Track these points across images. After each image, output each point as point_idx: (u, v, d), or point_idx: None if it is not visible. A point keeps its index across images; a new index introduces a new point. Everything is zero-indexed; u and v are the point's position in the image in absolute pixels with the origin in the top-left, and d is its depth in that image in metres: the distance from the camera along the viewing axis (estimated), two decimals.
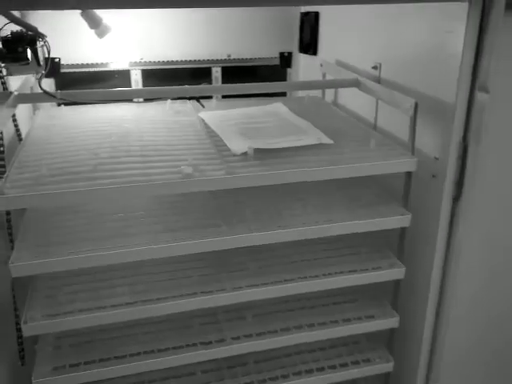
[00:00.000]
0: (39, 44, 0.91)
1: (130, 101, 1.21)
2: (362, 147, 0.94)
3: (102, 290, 0.91)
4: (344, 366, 1.05)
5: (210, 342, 0.95)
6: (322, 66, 1.28)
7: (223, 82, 1.52)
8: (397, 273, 0.96)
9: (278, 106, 1.18)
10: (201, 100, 1.17)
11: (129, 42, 1.41)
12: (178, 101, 1.20)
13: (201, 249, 0.86)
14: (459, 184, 0.88)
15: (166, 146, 0.95)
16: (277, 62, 1.56)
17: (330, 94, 1.30)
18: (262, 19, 1.50)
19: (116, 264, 0.85)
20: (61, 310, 0.85)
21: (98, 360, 0.91)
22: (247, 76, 1.53)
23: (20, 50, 0.84)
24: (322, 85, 1.20)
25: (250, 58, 1.52)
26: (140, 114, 1.15)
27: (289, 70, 1.58)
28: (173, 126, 1.07)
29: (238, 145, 0.92)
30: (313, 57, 1.44)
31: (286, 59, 1.55)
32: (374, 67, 1.08)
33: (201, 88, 1.06)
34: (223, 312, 1.02)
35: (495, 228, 0.93)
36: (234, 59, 1.51)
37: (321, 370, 1.04)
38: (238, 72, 1.53)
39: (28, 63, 0.87)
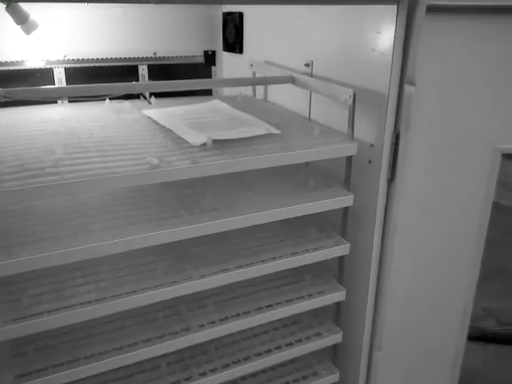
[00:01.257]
0: None
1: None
2: (307, 136, 1.02)
3: (66, 290, 0.89)
4: (299, 341, 1.12)
5: (177, 332, 0.97)
6: (252, 65, 1.35)
7: (150, 80, 1.52)
8: (342, 249, 1.06)
9: (217, 103, 1.22)
10: (129, 99, 1.18)
11: (51, 39, 1.36)
12: (114, 100, 1.20)
13: (168, 239, 0.88)
14: (393, 167, 1.00)
15: (121, 141, 0.96)
16: (201, 60, 1.59)
17: (259, 92, 1.37)
18: (186, 17, 1.53)
19: (75, 263, 0.84)
20: (27, 313, 0.82)
21: (67, 362, 0.89)
22: (173, 74, 1.55)
23: None
24: (259, 81, 1.27)
25: (176, 56, 1.54)
26: (80, 114, 1.13)
27: (213, 68, 1.62)
28: (120, 123, 1.07)
29: (195, 137, 0.95)
30: (238, 55, 1.50)
31: (209, 57, 1.60)
32: (307, 64, 1.17)
33: (147, 84, 1.07)
34: (183, 303, 1.04)
35: (427, 204, 1.06)
36: (160, 57, 1.52)
37: (278, 348, 1.11)
38: (163, 70, 1.54)
39: None
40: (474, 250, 1.12)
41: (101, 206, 0.96)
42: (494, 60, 0.96)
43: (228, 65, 1.58)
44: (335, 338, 1.15)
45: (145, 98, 1.14)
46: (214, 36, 1.57)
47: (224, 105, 1.21)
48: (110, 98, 1.19)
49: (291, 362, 1.19)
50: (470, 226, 1.10)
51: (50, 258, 0.79)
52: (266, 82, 1.22)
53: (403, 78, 0.93)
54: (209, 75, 1.62)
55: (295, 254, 1.03)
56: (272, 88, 1.36)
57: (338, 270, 1.12)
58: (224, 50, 1.56)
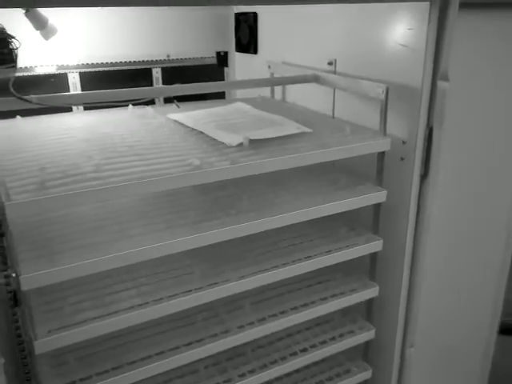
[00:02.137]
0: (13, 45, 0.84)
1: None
2: (338, 134, 1.02)
3: (106, 296, 0.88)
4: (332, 339, 1.12)
5: (216, 335, 0.97)
6: (269, 67, 1.35)
7: (163, 83, 1.51)
8: (376, 245, 1.06)
9: (240, 105, 1.22)
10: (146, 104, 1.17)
11: (65, 44, 1.34)
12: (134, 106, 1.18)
13: (208, 241, 0.87)
14: (426, 163, 1.00)
15: (154, 144, 0.95)
16: (214, 61, 1.59)
17: (276, 94, 1.37)
18: (198, 19, 1.52)
19: (112, 269, 0.83)
20: (70, 322, 0.81)
21: (111, 369, 0.88)
22: (186, 76, 1.54)
23: (6, 51, 0.77)
24: (283, 81, 1.26)
25: (189, 58, 1.53)
26: (105, 120, 1.11)
27: (226, 69, 1.62)
28: (148, 128, 1.06)
29: (230, 138, 0.94)
30: (251, 56, 1.50)
31: (222, 58, 1.59)
32: (330, 63, 1.17)
33: (176, 88, 1.05)
34: (220, 305, 1.04)
35: (458, 199, 1.06)
36: (173, 59, 1.51)
37: (313, 346, 1.10)
38: (177, 72, 1.53)
39: (14, 66, 0.80)
40: (505, 245, 1.12)
41: (135, 211, 0.95)
42: None
43: (241, 65, 1.58)
44: (368, 334, 1.15)
45: (173, 102, 1.13)
46: (227, 37, 1.57)
47: (247, 106, 1.20)
48: (122, 103, 1.17)
49: (323, 360, 1.19)
50: (501, 221, 1.10)
51: (93, 264, 0.78)
52: (291, 81, 1.21)
53: (436, 74, 0.94)
54: (221, 76, 1.61)
55: (329, 252, 1.03)
56: (289, 89, 1.35)
57: (370, 267, 1.12)
58: (237, 50, 1.55)
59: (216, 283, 0.92)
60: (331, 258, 1.02)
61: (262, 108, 1.20)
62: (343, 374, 1.18)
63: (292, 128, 1.01)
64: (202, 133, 1.01)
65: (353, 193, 1.01)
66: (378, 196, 1.02)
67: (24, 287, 0.73)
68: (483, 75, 0.96)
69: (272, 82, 1.27)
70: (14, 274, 0.75)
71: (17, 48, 0.86)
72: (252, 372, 1.04)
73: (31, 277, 0.73)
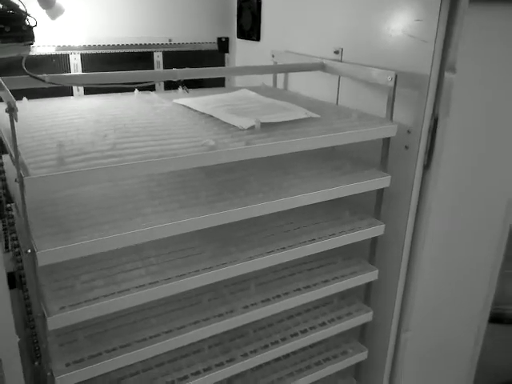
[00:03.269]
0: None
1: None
2: (345, 119, 1.04)
3: (118, 274, 0.89)
4: (331, 321, 1.15)
5: (222, 315, 0.98)
6: (273, 56, 1.36)
7: (164, 67, 1.51)
8: (377, 229, 1.09)
9: (245, 92, 1.23)
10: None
11: (67, 25, 1.33)
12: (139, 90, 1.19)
13: (220, 221, 0.88)
14: (429, 154, 1.03)
15: (165, 126, 0.95)
16: (215, 47, 1.59)
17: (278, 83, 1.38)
18: (199, 4, 1.52)
19: (121, 249, 0.84)
20: (82, 299, 0.82)
21: (119, 347, 0.89)
22: (188, 61, 1.54)
23: (25, 28, 0.76)
24: (290, 68, 1.27)
25: (190, 43, 1.53)
26: (113, 104, 1.11)
27: (226, 55, 1.62)
28: (156, 111, 1.06)
29: (241, 121, 0.95)
30: (253, 42, 1.50)
31: (223, 44, 1.60)
32: (336, 52, 1.19)
33: (187, 71, 1.06)
34: (224, 286, 1.05)
35: (459, 189, 1.10)
36: (175, 44, 1.51)
37: (313, 328, 1.13)
38: (178, 57, 1.53)
39: (32, 43, 0.80)
40: (500, 236, 1.16)
41: (147, 191, 0.95)
42: None
43: (242, 52, 1.58)
44: (365, 316, 1.18)
45: (177, 87, 1.13)
46: (228, 23, 1.57)
47: (252, 93, 1.22)
48: (129, 86, 1.16)
49: (320, 342, 1.21)
50: (498, 215, 1.14)
51: (110, 241, 0.79)
52: (298, 68, 1.23)
53: (443, 66, 0.96)
54: (222, 62, 1.61)
55: (333, 235, 1.05)
56: (292, 78, 1.37)
57: (370, 251, 1.15)
58: (238, 36, 1.55)
59: (224, 264, 0.94)
60: (336, 241, 1.05)
61: (266, 96, 1.21)
62: (340, 355, 1.22)
63: (300, 113, 1.03)
64: (211, 116, 1.02)
65: (358, 177, 1.03)
66: (383, 181, 1.05)
67: (41, 262, 0.74)
68: (492, 66, 0.99)
69: (279, 69, 1.28)
70: (29, 250, 0.75)
71: (34, 25, 0.85)
72: (254, 352, 1.06)
73: (48, 252, 0.74)
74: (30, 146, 0.82)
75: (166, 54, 1.51)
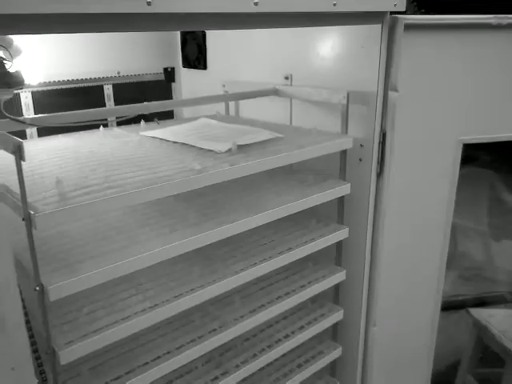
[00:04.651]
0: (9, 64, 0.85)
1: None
2: (308, 136, 1.15)
3: (117, 303, 0.91)
4: (308, 324, 1.24)
5: (215, 329, 1.03)
6: (224, 86, 1.44)
7: (115, 99, 1.54)
8: (343, 233, 1.20)
9: (206, 120, 1.30)
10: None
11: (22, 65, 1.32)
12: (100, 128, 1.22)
13: (215, 238, 0.95)
14: (381, 163, 1.16)
15: (146, 157, 1.00)
16: (162, 77, 1.64)
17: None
18: (144, 36, 1.57)
19: (114, 279, 0.86)
20: (88, 331, 0.84)
21: (124, 373, 0.91)
22: (136, 91, 1.58)
23: (15, 72, 0.77)
24: (245, 96, 1.35)
25: (138, 74, 1.58)
26: (82, 142, 1.13)
27: (173, 84, 1.68)
28: (130, 144, 1.10)
29: (217, 145, 1.02)
30: (200, 71, 1.58)
31: (169, 74, 1.65)
32: (286, 77, 1.30)
33: (156, 104, 1.11)
34: (211, 304, 1.10)
35: (410, 192, 1.23)
36: (123, 76, 1.54)
37: (293, 333, 1.21)
38: (127, 88, 1.56)
39: (22, 88, 0.81)
40: (444, 235, 1.31)
41: (133, 221, 0.99)
42: (458, 68, 1.16)
43: (188, 81, 1.65)
44: (337, 315, 1.28)
45: (153, 120, 1.18)
46: (172, 53, 1.63)
47: (213, 121, 1.29)
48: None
49: (297, 346, 1.29)
50: (442, 213, 1.29)
51: (113, 269, 0.82)
52: (252, 95, 1.32)
53: (387, 86, 1.10)
54: (169, 91, 1.67)
55: (305, 242, 1.14)
56: (243, 106, 1.46)
57: (337, 254, 1.25)
58: (184, 66, 1.62)
59: (214, 280, 0.99)
60: (310, 248, 1.14)
61: (226, 122, 1.29)
62: (318, 355, 1.30)
63: (266, 134, 1.12)
64: (185, 144, 1.07)
65: (323, 188, 1.14)
66: (344, 188, 1.16)
67: (52, 298, 0.75)
68: (427, 84, 1.14)
69: (238, 97, 1.36)
70: (37, 288, 0.76)
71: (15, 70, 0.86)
72: (245, 362, 1.12)
73: (58, 286, 0.76)
74: (27, 184, 0.82)
75: (115, 86, 1.54)
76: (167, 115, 1.56)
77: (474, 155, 2.59)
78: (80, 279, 0.77)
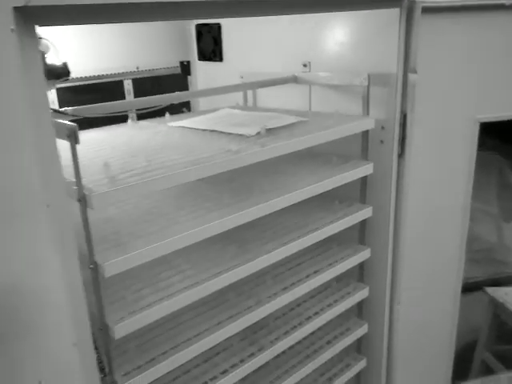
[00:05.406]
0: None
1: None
2: (330, 120, 1.18)
3: (159, 283, 0.95)
4: (336, 301, 1.28)
5: (251, 306, 1.08)
6: (242, 77, 1.48)
7: (134, 93, 1.58)
8: (367, 212, 1.24)
9: (229, 110, 1.34)
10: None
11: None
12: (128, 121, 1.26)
13: (254, 215, 0.99)
14: (402, 145, 1.20)
15: (179, 144, 1.04)
16: (178, 70, 1.68)
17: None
18: (160, 31, 1.61)
19: (152, 260, 0.91)
20: (138, 307, 0.88)
21: (170, 349, 0.95)
22: (155, 85, 1.62)
23: (60, 65, 0.81)
24: (265, 83, 1.39)
25: (156, 69, 1.62)
26: (113, 134, 1.18)
27: (189, 77, 1.72)
28: (160, 134, 1.15)
29: (246, 130, 1.06)
30: (216, 63, 1.62)
31: (185, 67, 1.69)
32: (305, 65, 1.34)
33: (194, 93, 1.15)
34: (244, 284, 1.14)
35: (430, 171, 1.27)
36: (142, 71, 1.58)
37: (321, 310, 1.25)
38: (146, 82, 1.60)
39: (68, 79, 0.85)
40: (464, 206, 1.35)
41: (170, 206, 1.03)
42: (475, 50, 1.19)
43: (204, 73, 1.69)
44: (363, 293, 1.33)
45: (182, 111, 1.22)
46: (187, 47, 1.67)
47: (236, 110, 1.33)
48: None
49: (325, 325, 1.34)
50: (461, 193, 1.33)
51: (160, 247, 0.86)
52: (272, 83, 1.36)
53: (406, 68, 1.14)
54: (185, 84, 1.71)
55: (331, 222, 1.19)
56: (260, 96, 1.49)
57: (360, 233, 1.30)
58: (199, 59, 1.66)
59: (249, 259, 1.03)
60: (335, 227, 1.18)
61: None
62: (346, 332, 1.35)
63: (292, 118, 1.16)
64: (214, 131, 1.11)
65: (346, 168, 1.18)
66: (367, 168, 1.21)
67: (107, 274, 0.80)
68: (445, 66, 1.18)
69: (254, 85, 1.40)
70: (91, 266, 0.80)
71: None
72: (278, 339, 1.16)
73: (113, 263, 0.80)
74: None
75: (134, 81, 1.58)
76: (183, 107, 1.60)
77: (482, 141, 2.65)
78: (132, 255, 0.82)
